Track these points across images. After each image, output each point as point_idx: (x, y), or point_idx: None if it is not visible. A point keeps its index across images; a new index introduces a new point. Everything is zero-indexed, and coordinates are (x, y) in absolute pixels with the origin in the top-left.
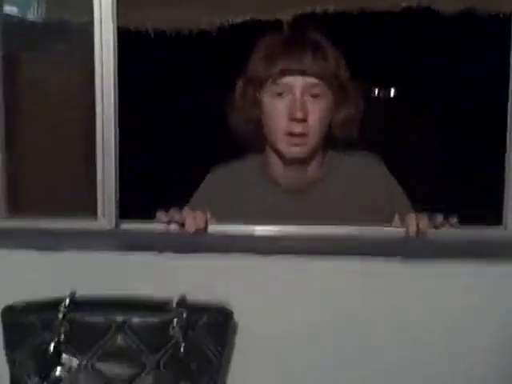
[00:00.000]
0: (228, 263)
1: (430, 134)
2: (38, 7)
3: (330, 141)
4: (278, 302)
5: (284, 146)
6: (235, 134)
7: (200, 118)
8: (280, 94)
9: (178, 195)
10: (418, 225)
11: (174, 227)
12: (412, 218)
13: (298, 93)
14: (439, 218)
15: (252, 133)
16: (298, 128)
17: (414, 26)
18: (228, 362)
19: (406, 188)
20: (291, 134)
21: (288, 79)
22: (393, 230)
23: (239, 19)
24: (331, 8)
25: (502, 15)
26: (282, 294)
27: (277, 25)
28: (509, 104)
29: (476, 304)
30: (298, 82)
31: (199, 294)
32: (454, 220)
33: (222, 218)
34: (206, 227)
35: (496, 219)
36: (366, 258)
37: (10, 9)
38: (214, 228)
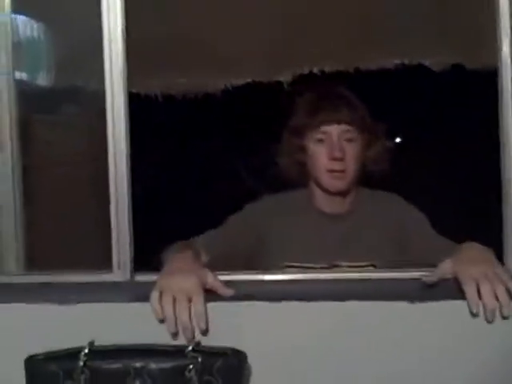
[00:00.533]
0: (239, 310)
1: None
2: (47, 73)
3: (364, 177)
4: (290, 345)
5: (327, 181)
6: (284, 175)
7: (206, 173)
8: (321, 140)
9: None
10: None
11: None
12: (487, 288)
13: (335, 138)
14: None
15: (298, 173)
16: (337, 166)
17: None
18: None
19: None
20: (332, 171)
21: (326, 128)
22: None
23: (241, 82)
24: (327, 68)
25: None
26: (293, 339)
27: (277, 86)
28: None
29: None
30: (334, 129)
31: (212, 341)
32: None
33: (269, 241)
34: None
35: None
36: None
37: (19, 75)
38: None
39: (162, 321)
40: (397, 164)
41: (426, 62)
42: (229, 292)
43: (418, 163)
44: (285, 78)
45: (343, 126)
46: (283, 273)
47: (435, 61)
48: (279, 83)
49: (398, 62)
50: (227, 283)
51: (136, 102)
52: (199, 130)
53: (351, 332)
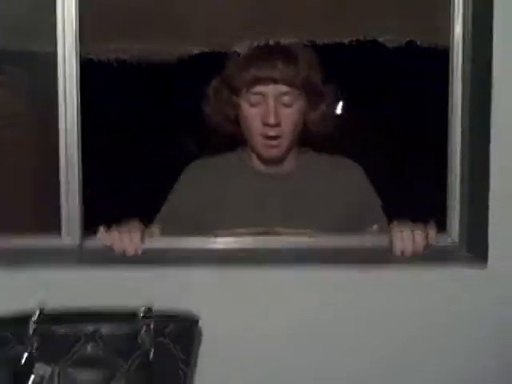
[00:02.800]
0: (191, 275)
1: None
2: None
3: (307, 138)
4: (241, 310)
5: (260, 148)
6: (213, 131)
7: (155, 141)
8: (255, 102)
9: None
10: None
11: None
12: (408, 235)
13: (271, 101)
14: (431, 230)
15: (229, 130)
16: (271, 132)
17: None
18: (194, 367)
19: None
20: (266, 137)
21: (261, 88)
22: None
23: (196, 50)
24: (283, 40)
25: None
26: (246, 303)
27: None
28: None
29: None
30: (270, 90)
31: (164, 305)
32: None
33: (206, 205)
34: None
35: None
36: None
37: None
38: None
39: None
40: (343, 129)
41: (381, 39)
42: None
43: (365, 130)
44: (240, 49)
45: (280, 87)
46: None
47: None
48: (235, 53)
49: (353, 38)
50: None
51: (89, 68)
52: (151, 96)
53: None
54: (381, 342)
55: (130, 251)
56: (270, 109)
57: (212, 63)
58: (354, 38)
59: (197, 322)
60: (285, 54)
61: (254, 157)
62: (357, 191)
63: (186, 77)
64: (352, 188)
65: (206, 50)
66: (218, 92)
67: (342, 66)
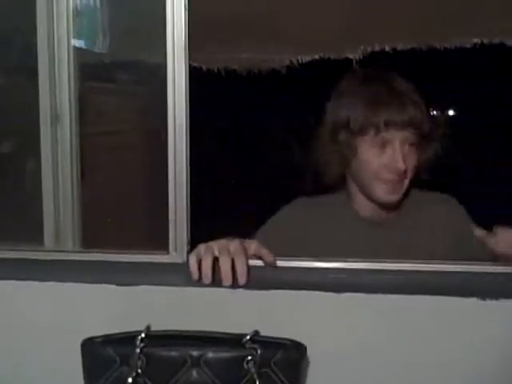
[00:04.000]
0: (300, 299)
1: None
2: (103, 41)
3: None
4: (349, 337)
5: (380, 193)
6: (321, 172)
7: (270, 154)
8: (380, 146)
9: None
10: None
11: (206, 278)
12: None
13: (397, 145)
14: None
15: (336, 172)
16: (396, 177)
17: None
18: None
19: None
20: (388, 183)
21: (389, 133)
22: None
23: (308, 58)
24: (400, 45)
25: None
26: (353, 330)
27: (345, 63)
28: None
29: None
30: (398, 134)
31: (271, 330)
32: None
33: (301, 245)
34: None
35: None
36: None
37: (78, 42)
38: (284, 263)
39: (197, 280)
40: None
41: (509, 42)
42: (273, 261)
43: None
44: (354, 55)
45: (409, 133)
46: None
47: None
48: (347, 60)
49: (477, 40)
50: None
51: (198, 77)
52: (261, 106)
53: (409, 327)
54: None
55: (227, 281)
56: (398, 154)
57: (322, 71)
58: (478, 41)
59: (305, 350)
60: (410, 96)
61: (359, 201)
62: (461, 227)
63: (295, 85)
64: (456, 224)
65: (316, 57)
66: (335, 134)
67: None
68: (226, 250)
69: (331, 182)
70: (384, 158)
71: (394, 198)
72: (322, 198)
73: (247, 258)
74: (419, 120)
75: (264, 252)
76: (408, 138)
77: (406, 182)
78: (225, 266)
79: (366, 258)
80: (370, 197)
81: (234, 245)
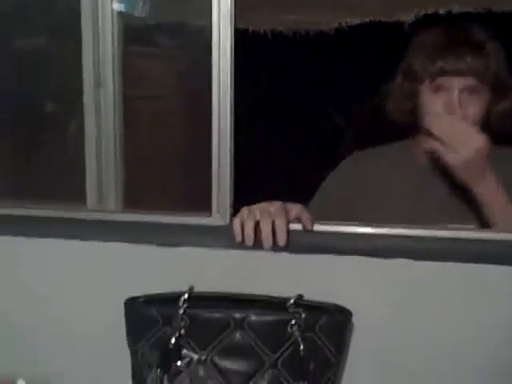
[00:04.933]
0: (342, 264)
1: None
2: (144, 5)
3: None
4: (394, 304)
5: None
6: (390, 122)
7: (313, 116)
8: (438, 91)
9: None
10: None
11: (249, 240)
12: None
13: (455, 93)
14: None
15: (405, 120)
16: None
17: None
18: (344, 362)
19: None
20: None
21: (446, 80)
22: None
23: (357, 21)
24: (455, 8)
25: None
26: (398, 296)
27: (396, 26)
28: None
29: None
30: (456, 82)
31: (315, 295)
32: None
33: (361, 199)
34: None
35: None
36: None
37: (118, 5)
38: (324, 228)
39: (241, 242)
40: None
41: None
42: (311, 226)
43: None
44: (406, 18)
45: (467, 80)
46: (383, 226)
47: None
48: (399, 24)
49: None
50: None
51: (244, 39)
52: (308, 70)
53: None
54: None
55: (267, 244)
56: (455, 101)
57: (372, 34)
58: None
59: (350, 315)
60: (474, 45)
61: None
62: None
63: (344, 49)
64: None
65: (366, 20)
66: (402, 87)
67: None
68: (267, 212)
69: (399, 130)
70: (442, 104)
71: None
72: (382, 148)
73: (288, 220)
74: (480, 69)
75: (304, 216)
76: (468, 85)
77: None
78: (265, 228)
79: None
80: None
81: (275, 207)
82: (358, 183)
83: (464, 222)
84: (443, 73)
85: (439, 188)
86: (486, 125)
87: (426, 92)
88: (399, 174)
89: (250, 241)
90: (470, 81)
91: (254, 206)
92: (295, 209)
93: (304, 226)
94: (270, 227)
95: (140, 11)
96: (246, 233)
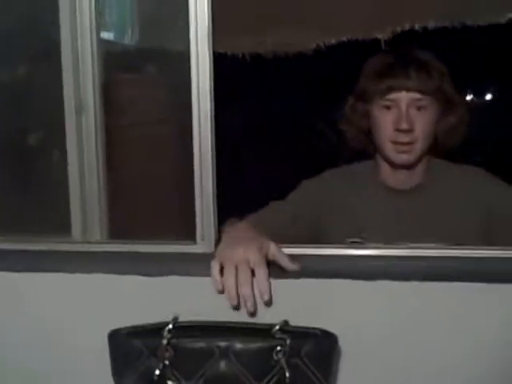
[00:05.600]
0: (327, 288)
1: None
2: (132, 33)
3: (437, 150)
4: (380, 326)
5: (392, 153)
6: (348, 143)
7: (296, 135)
8: (388, 108)
9: None
10: None
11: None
12: None
13: (403, 107)
14: None
15: (362, 141)
16: (404, 138)
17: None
18: None
19: None
20: (398, 143)
21: (394, 95)
22: None
23: (334, 40)
24: (431, 24)
25: None
26: (385, 319)
27: (374, 44)
28: None
29: None
30: (403, 97)
31: (301, 320)
32: None
33: (330, 215)
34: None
35: None
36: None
37: (107, 34)
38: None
39: (221, 292)
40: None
41: None
42: (293, 267)
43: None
44: (383, 35)
45: (413, 94)
46: (356, 247)
47: None
48: (376, 41)
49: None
50: (294, 257)
51: (222, 62)
52: (289, 91)
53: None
54: None
55: (252, 307)
56: (403, 114)
57: (352, 53)
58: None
59: (336, 340)
60: (417, 63)
61: (384, 168)
62: (493, 201)
63: (323, 69)
64: (487, 198)
65: (344, 39)
66: (354, 108)
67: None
68: (245, 263)
69: (358, 150)
70: (390, 118)
71: (405, 158)
72: (347, 168)
73: (268, 267)
74: (424, 84)
75: (281, 257)
76: (415, 101)
77: (418, 145)
78: (244, 287)
79: (390, 227)
80: (386, 159)
81: (253, 255)
82: (331, 196)
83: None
84: (391, 89)
85: (403, 207)
86: (434, 141)
87: (377, 110)
88: (366, 192)
89: (233, 301)
90: (416, 95)
91: (230, 252)
92: (271, 249)
93: (287, 269)
94: (249, 284)
95: (129, 39)
96: (228, 293)
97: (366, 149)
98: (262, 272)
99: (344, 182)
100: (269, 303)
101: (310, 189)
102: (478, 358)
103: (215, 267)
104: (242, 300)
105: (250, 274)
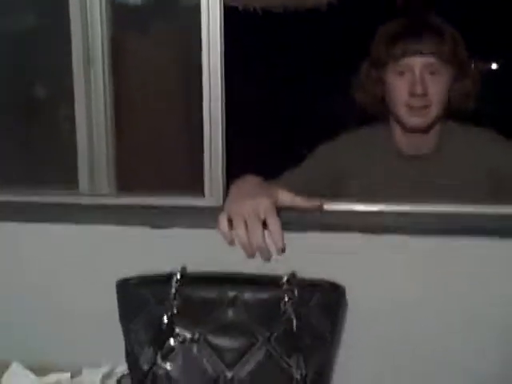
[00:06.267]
0: (336, 241)
1: None
2: None
3: (451, 113)
4: (388, 280)
5: (406, 117)
6: (361, 109)
7: (306, 96)
8: (401, 73)
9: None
10: None
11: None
12: None
13: (417, 71)
14: None
15: (376, 108)
16: (418, 102)
17: None
18: (339, 338)
19: None
20: (412, 108)
21: (408, 60)
22: None
23: None
24: None
25: None
26: (389, 272)
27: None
28: None
29: None
30: (416, 61)
31: (308, 273)
32: None
33: (343, 180)
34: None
35: None
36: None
37: None
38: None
39: (232, 244)
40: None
41: None
42: (314, 203)
43: None
44: None
45: (427, 59)
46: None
47: None
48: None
49: None
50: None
51: (233, 16)
52: (299, 46)
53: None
54: None
55: (265, 256)
56: (417, 78)
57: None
58: None
59: (344, 292)
60: (431, 28)
61: (397, 134)
62: (503, 164)
63: (335, 23)
64: (499, 160)
65: None
66: (368, 74)
67: None
68: (255, 214)
69: (371, 116)
70: (405, 83)
71: (419, 121)
72: (362, 132)
73: (279, 216)
74: (438, 49)
75: (297, 199)
76: (429, 64)
77: (433, 109)
78: (255, 238)
79: (404, 193)
80: (400, 124)
81: (263, 205)
82: (342, 162)
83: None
84: (404, 54)
85: (416, 174)
86: (448, 105)
87: (391, 76)
88: (379, 158)
89: (248, 251)
90: (430, 59)
91: (238, 206)
92: (282, 194)
93: (310, 209)
94: (260, 234)
95: None
96: (241, 244)
97: (379, 115)
98: (273, 221)
99: (358, 146)
100: (283, 251)
101: (324, 154)
102: (482, 315)
103: (223, 221)
104: (254, 250)
105: (259, 224)
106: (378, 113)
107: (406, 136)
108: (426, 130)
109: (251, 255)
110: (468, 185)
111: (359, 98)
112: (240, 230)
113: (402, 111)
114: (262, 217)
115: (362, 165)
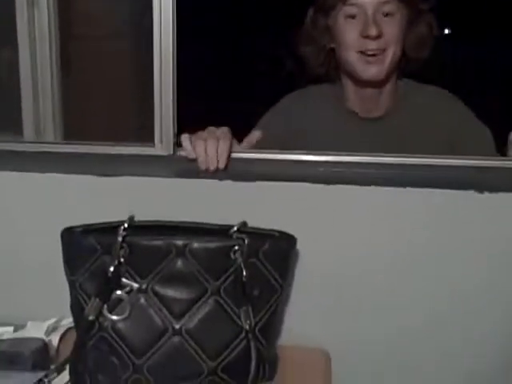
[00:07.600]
0: (287, 191)
1: None
2: None
3: (403, 69)
4: (336, 230)
5: (360, 65)
6: (308, 65)
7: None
8: (352, 16)
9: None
10: None
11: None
12: None
13: (370, 11)
14: None
15: (323, 62)
16: (372, 45)
17: None
18: (289, 288)
19: None
20: (366, 53)
21: (359, 1)
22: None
23: None
24: None
25: None
26: (340, 223)
27: None
28: None
29: None
30: (368, 2)
31: (259, 222)
32: None
33: (295, 141)
34: (227, 162)
35: None
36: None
37: None
38: (268, 156)
39: (192, 160)
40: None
41: None
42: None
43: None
44: None
45: (382, 1)
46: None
47: None
48: None
49: None
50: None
51: None
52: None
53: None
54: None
55: (202, 165)
56: (369, 19)
57: None
58: None
59: (295, 241)
60: None
61: (350, 92)
62: (460, 121)
63: None
64: (455, 118)
65: None
66: (315, 22)
67: None
68: (213, 136)
69: (320, 73)
70: (356, 27)
71: (374, 71)
72: (308, 90)
73: (231, 143)
74: None
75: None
76: (382, 4)
77: (389, 52)
78: (210, 149)
79: (357, 151)
80: (354, 77)
81: (221, 131)
82: (296, 120)
83: None
84: None
85: (371, 137)
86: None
87: (341, 21)
88: (329, 116)
89: (202, 165)
90: (383, 1)
91: (200, 132)
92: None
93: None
94: (215, 148)
95: None
96: (198, 157)
97: (328, 72)
98: (222, 144)
99: (303, 106)
100: (221, 170)
101: (268, 122)
102: (438, 264)
103: (185, 140)
104: (209, 161)
105: (215, 141)
106: (326, 70)
107: (359, 94)
108: (380, 84)
109: (206, 167)
110: (423, 144)
111: (304, 51)
112: (199, 148)
113: (355, 58)
114: (218, 138)
115: (310, 125)
